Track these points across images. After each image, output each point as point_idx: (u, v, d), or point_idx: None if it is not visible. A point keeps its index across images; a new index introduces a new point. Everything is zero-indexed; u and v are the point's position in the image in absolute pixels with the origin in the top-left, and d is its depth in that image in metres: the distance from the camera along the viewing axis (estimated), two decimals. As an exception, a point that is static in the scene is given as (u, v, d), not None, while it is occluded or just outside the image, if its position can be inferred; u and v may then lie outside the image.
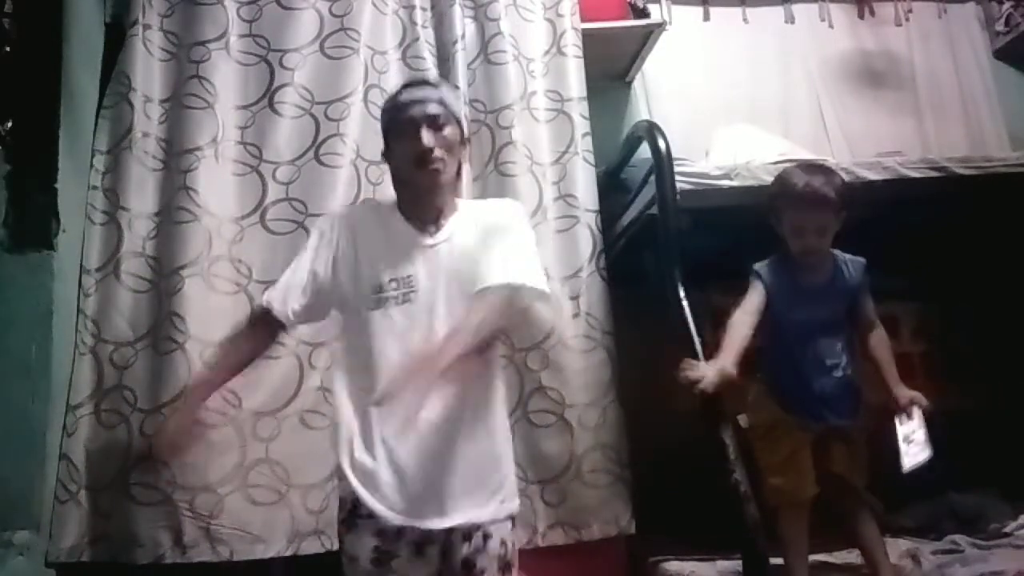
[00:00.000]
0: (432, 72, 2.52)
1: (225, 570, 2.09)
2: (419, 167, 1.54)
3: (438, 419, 1.46)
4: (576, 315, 2.37)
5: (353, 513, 1.50)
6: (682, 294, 2.03)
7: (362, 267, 1.57)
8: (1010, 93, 3.32)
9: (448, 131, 1.55)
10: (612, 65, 3.07)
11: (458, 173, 1.66)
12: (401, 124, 1.56)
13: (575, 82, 2.57)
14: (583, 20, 2.65)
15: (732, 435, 1.85)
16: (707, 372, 1.82)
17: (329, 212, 2.31)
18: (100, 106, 2.38)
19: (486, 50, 2.56)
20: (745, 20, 3.30)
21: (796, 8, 3.33)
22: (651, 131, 2.25)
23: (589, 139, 2.53)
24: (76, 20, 2.33)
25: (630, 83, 3.19)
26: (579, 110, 2.54)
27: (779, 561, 1.90)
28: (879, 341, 2.04)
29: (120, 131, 2.34)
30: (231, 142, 2.41)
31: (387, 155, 1.64)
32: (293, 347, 2.22)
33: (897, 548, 2.15)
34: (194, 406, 1.59)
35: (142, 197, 2.33)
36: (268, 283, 2.28)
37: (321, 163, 2.39)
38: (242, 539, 2.11)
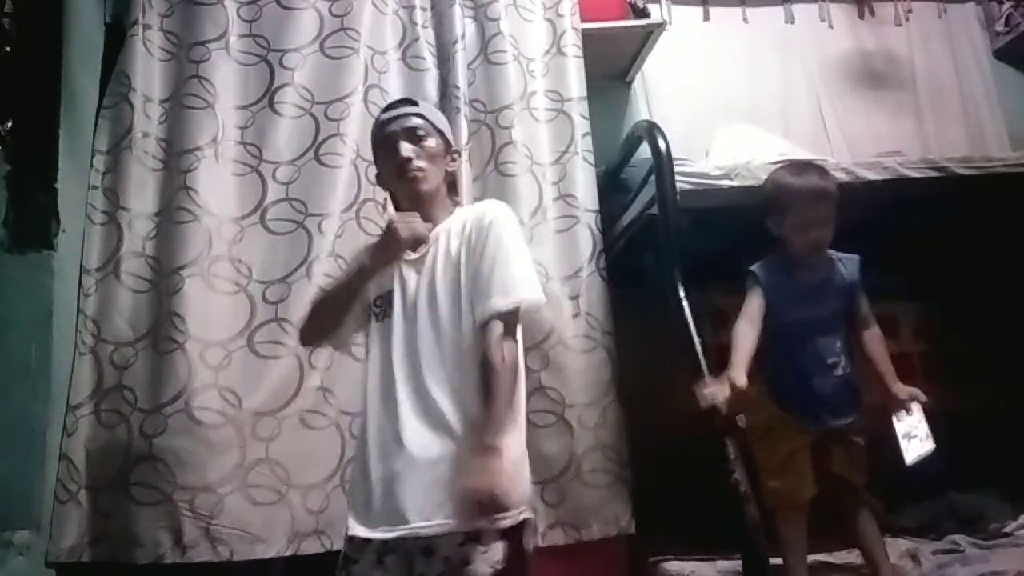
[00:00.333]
0: (432, 72, 2.53)
1: (225, 570, 2.09)
2: (399, 177, 1.58)
3: (404, 428, 1.44)
4: (576, 315, 2.37)
5: None
6: (682, 294, 2.03)
7: (369, 289, 1.60)
8: (1010, 93, 3.32)
9: (429, 143, 1.59)
10: (612, 65, 3.07)
11: (452, 187, 1.68)
12: (382, 140, 1.62)
13: (575, 82, 2.57)
14: (583, 20, 2.65)
15: (732, 435, 1.85)
16: (720, 390, 1.81)
17: (327, 215, 2.33)
18: (100, 106, 2.38)
19: (486, 50, 2.56)
20: (745, 20, 3.30)
21: (796, 8, 3.33)
22: (651, 131, 2.25)
23: (589, 139, 2.52)
24: (76, 20, 2.34)
25: (630, 83, 3.20)
26: (579, 110, 2.54)
27: (779, 561, 1.91)
28: (875, 338, 2.04)
29: (120, 131, 2.34)
30: (231, 142, 2.41)
31: (379, 179, 1.72)
32: (293, 347, 2.22)
33: (897, 548, 2.15)
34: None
35: (142, 197, 2.33)
36: (268, 283, 2.31)
37: (321, 163, 2.39)
38: (242, 539, 2.11)
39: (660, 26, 2.83)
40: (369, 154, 2.35)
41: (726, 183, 2.27)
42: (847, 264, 2.04)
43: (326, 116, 2.42)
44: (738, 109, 3.07)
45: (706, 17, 3.27)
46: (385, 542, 1.41)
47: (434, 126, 1.62)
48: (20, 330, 2.07)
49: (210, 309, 2.24)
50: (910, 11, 3.37)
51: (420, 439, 1.43)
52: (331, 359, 2.25)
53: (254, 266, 2.31)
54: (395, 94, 2.40)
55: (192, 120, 2.38)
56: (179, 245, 2.27)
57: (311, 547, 2.14)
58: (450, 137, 1.69)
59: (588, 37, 2.65)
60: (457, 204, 1.73)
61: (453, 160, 1.68)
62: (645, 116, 3.04)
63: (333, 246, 2.33)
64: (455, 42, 2.52)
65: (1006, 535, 2.32)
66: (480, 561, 1.36)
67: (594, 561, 2.25)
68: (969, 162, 2.38)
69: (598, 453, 2.28)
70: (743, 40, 3.27)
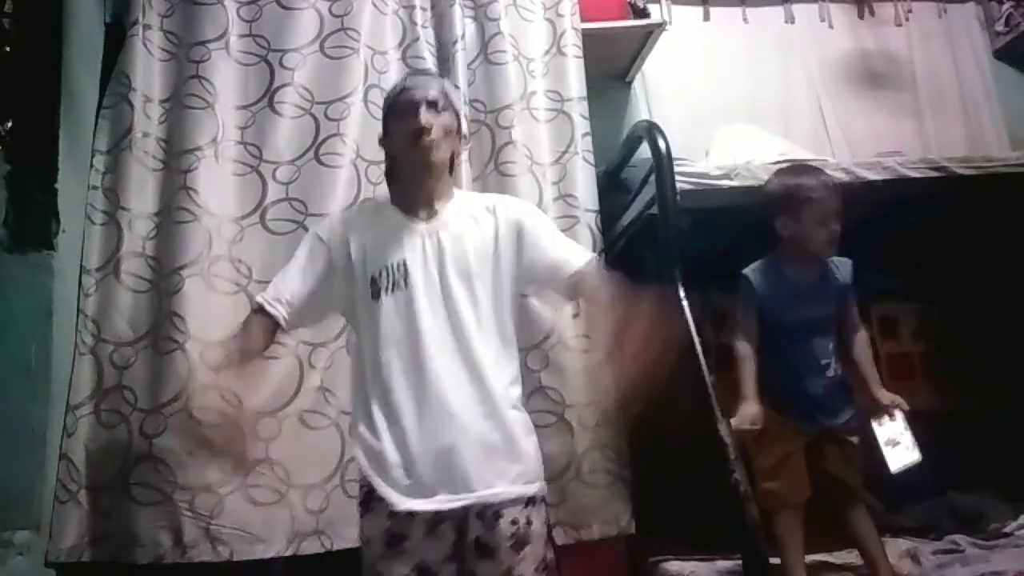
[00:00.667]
0: (432, 72, 2.52)
1: (225, 570, 2.09)
2: (414, 144, 1.59)
3: (449, 400, 1.49)
4: (576, 315, 2.37)
5: (369, 495, 1.51)
6: (682, 294, 2.03)
7: (357, 265, 1.60)
8: (1010, 93, 3.32)
9: (445, 117, 1.62)
10: (612, 65, 3.07)
11: (453, 166, 1.71)
12: (401, 104, 1.63)
13: (575, 82, 2.56)
14: (583, 20, 2.65)
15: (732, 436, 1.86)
16: (749, 416, 1.92)
17: (327, 215, 2.33)
18: (100, 106, 2.38)
19: (486, 50, 2.56)
20: (745, 20, 3.30)
21: (796, 8, 3.33)
22: (651, 131, 2.25)
23: (589, 139, 2.52)
24: (76, 20, 2.33)
25: (630, 83, 3.20)
26: (579, 110, 2.53)
27: (779, 561, 1.91)
28: (862, 343, 2.06)
29: (120, 131, 2.34)
30: (231, 142, 2.40)
31: (384, 141, 1.70)
32: (293, 347, 2.22)
33: (897, 548, 2.15)
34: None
35: (142, 197, 2.32)
36: (268, 283, 2.30)
37: (321, 163, 2.39)
38: (242, 539, 2.10)
39: (660, 26, 2.83)
40: (370, 154, 2.39)
41: (726, 183, 2.27)
42: (840, 267, 2.05)
43: (326, 116, 2.42)
44: (738, 109, 3.07)
45: (706, 17, 3.27)
46: (438, 512, 1.46)
47: (452, 104, 1.65)
48: (20, 330, 2.07)
49: (210, 309, 2.23)
50: (910, 11, 3.37)
51: (470, 409, 1.50)
52: (331, 359, 2.25)
53: (254, 266, 2.31)
54: (395, 94, 2.40)
55: (192, 120, 2.38)
56: (179, 245, 2.27)
57: (311, 547, 2.14)
58: (463, 120, 1.73)
59: (588, 37, 2.64)
60: (455, 186, 1.76)
61: (460, 141, 1.72)
62: (645, 116, 3.04)
63: (333, 246, 2.33)
64: (455, 42, 2.52)
65: (1006, 535, 2.32)
66: (538, 522, 1.52)
67: (594, 561, 2.25)
68: (969, 162, 2.39)
69: (598, 453, 2.28)
70: (743, 40, 3.27)
